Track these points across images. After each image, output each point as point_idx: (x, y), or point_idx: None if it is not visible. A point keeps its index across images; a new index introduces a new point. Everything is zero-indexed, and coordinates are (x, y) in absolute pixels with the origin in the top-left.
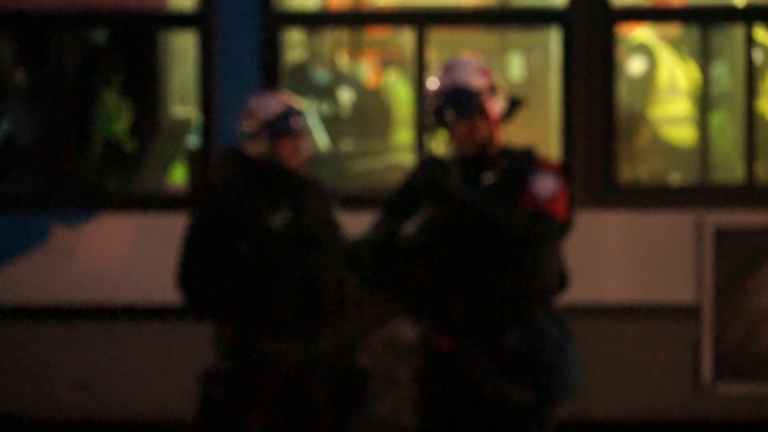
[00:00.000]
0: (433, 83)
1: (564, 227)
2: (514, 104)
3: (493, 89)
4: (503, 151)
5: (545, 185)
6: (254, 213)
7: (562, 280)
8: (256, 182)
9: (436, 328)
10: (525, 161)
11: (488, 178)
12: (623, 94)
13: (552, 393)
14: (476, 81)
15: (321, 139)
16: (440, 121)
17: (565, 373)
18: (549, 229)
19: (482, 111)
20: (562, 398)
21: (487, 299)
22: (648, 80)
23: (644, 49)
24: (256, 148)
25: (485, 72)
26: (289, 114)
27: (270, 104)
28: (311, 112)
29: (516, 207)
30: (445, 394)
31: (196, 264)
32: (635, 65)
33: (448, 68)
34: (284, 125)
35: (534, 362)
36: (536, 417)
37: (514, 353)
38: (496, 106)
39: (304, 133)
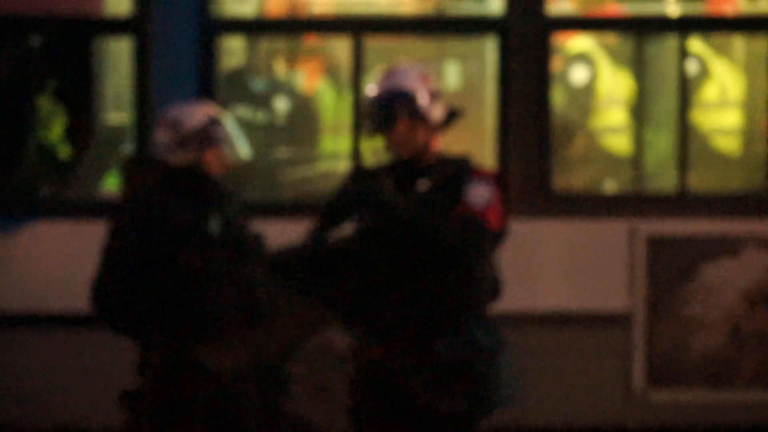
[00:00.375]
0: (372, 89)
1: (498, 236)
2: (452, 115)
3: (433, 96)
4: (439, 159)
5: (479, 193)
6: (190, 222)
7: (495, 289)
8: (184, 192)
9: (367, 336)
10: (460, 170)
11: (423, 185)
12: (562, 103)
13: (484, 402)
14: (417, 86)
15: (245, 148)
16: (378, 125)
17: (497, 382)
18: (482, 237)
19: (421, 115)
20: (494, 407)
21: (419, 308)
22: (587, 89)
23: (585, 59)
24: (181, 158)
25: (426, 78)
26: (215, 123)
27: (195, 114)
28: (246, 120)
29: (449, 215)
30: (377, 402)
31: (120, 275)
32: (576, 74)
33: (389, 74)
34: (211, 135)
35: (466, 371)
36: (469, 426)
37: (446, 361)
38: (436, 112)
39: (227, 142)
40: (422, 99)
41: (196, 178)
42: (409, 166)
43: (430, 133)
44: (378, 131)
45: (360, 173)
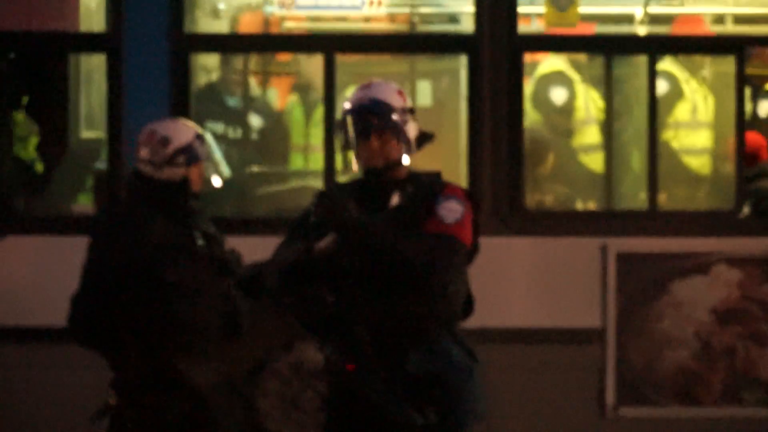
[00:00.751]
0: (347, 101)
1: (469, 252)
2: (425, 137)
3: (408, 111)
4: (410, 176)
5: (450, 210)
6: (178, 237)
7: (468, 304)
8: (168, 207)
9: (340, 351)
10: (431, 185)
11: (394, 200)
12: (536, 121)
13: (457, 417)
14: (393, 99)
15: (224, 165)
16: (353, 135)
17: (470, 398)
18: (453, 253)
19: (396, 128)
20: (467, 423)
21: (391, 324)
22: (563, 108)
23: (562, 77)
24: (167, 174)
25: (402, 94)
26: (201, 139)
27: (182, 131)
28: (218, 136)
29: (419, 233)
30: (351, 416)
31: (101, 290)
32: (554, 93)
33: (366, 86)
34: (198, 151)
35: (438, 385)
36: None
37: (418, 377)
38: (410, 129)
39: (210, 159)
40: (397, 113)
41: (181, 193)
42: (381, 180)
43: (402, 149)
44: (352, 143)
45: (324, 196)
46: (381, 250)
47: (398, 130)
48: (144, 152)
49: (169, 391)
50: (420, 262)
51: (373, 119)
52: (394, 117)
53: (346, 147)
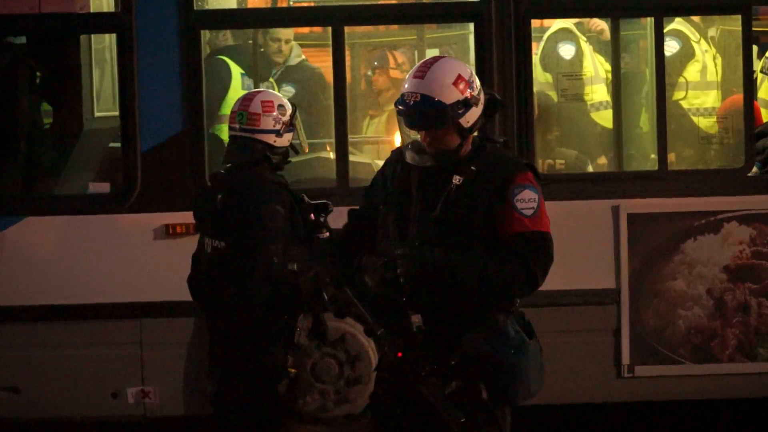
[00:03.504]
0: (406, 82)
1: None
2: (494, 104)
3: (467, 102)
4: (476, 150)
5: (527, 201)
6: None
7: (534, 283)
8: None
9: (392, 337)
10: (497, 168)
11: (455, 180)
12: (546, 83)
13: (508, 395)
14: (446, 94)
15: None
16: (409, 124)
17: (523, 375)
18: (545, 254)
19: (452, 124)
20: (518, 400)
21: (449, 315)
22: (571, 69)
23: (569, 35)
24: (286, 140)
25: (459, 81)
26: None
27: (283, 98)
28: None
29: (505, 245)
30: (398, 397)
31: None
32: (562, 49)
33: (421, 72)
34: (294, 120)
35: (491, 364)
36: (490, 416)
37: (471, 355)
38: (469, 117)
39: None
40: (453, 108)
41: (286, 160)
42: (443, 161)
43: (456, 138)
44: (411, 128)
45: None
46: (473, 287)
47: (451, 126)
48: (267, 122)
49: None
50: (519, 286)
51: (424, 117)
52: (449, 115)
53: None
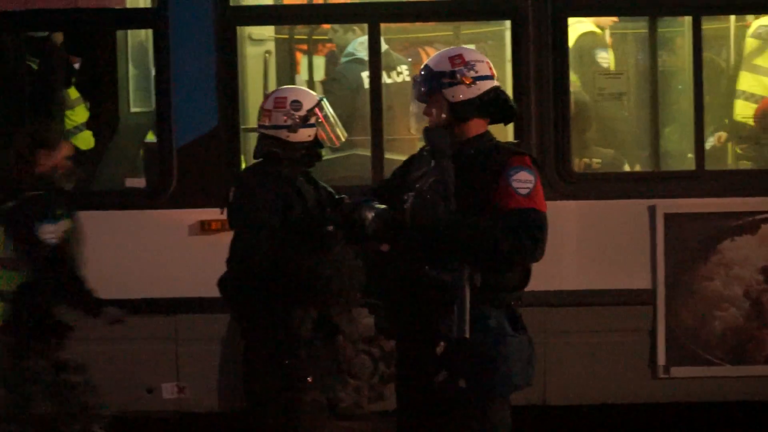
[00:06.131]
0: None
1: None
2: (499, 104)
3: (453, 74)
4: (474, 138)
5: (523, 181)
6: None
7: (527, 275)
8: (301, 166)
9: (387, 317)
10: (493, 151)
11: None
12: (581, 83)
13: (487, 384)
14: (439, 65)
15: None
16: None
17: (503, 366)
18: (539, 228)
19: (432, 91)
20: (498, 391)
21: (433, 300)
22: (608, 69)
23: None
24: (302, 135)
25: (455, 59)
26: (321, 104)
27: (308, 94)
28: None
29: (500, 216)
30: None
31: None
32: (598, 54)
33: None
34: (324, 112)
35: (470, 352)
36: (477, 408)
37: (451, 340)
38: (455, 93)
39: (331, 121)
40: (437, 76)
41: (313, 152)
42: (437, 136)
43: (450, 112)
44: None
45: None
46: (465, 246)
47: (437, 94)
48: (277, 117)
49: None
50: (508, 249)
51: (419, 86)
52: (430, 82)
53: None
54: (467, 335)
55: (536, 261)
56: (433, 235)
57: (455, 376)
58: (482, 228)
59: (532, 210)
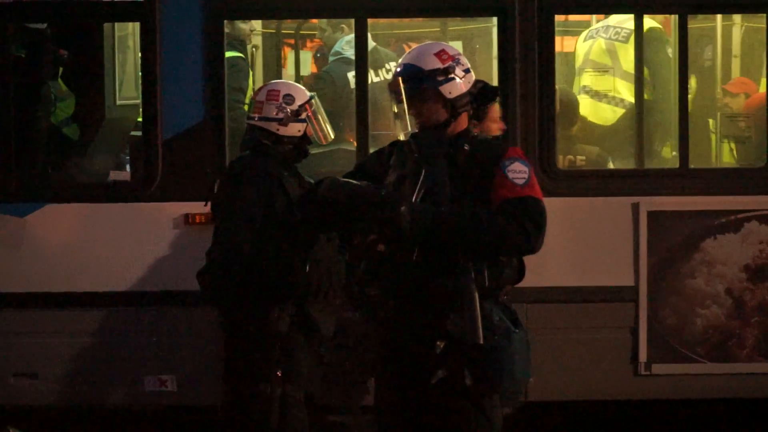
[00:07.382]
0: (396, 66)
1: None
2: (489, 90)
3: (446, 71)
4: (465, 132)
5: (518, 171)
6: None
7: (521, 270)
8: (291, 160)
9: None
10: (489, 146)
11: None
12: (566, 81)
13: (492, 380)
14: (425, 62)
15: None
16: (393, 98)
17: (508, 361)
18: (539, 214)
19: (426, 93)
20: (502, 386)
21: (434, 298)
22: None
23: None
24: (292, 130)
25: (441, 54)
26: (313, 100)
27: (300, 89)
28: None
29: (497, 205)
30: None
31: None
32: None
33: (410, 51)
34: (315, 108)
35: (475, 348)
36: (477, 402)
37: (457, 335)
38: (451, 89)
39: (322, 118)
40: (432, 75)
41: (302, 147)
42: (432, 140)
43: (441, 110)
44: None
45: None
46: (469, 238)
47: (433, 94)
48: (269, 110)
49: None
50: (512, 236)
51: (405, 84)
52: (424, 81)
53: (396, 106)
54: (481, 341)
55: (537, 250)
56: (434, 234)
57: (459, 373)
58: (484, 218)
59: (531, 198)
